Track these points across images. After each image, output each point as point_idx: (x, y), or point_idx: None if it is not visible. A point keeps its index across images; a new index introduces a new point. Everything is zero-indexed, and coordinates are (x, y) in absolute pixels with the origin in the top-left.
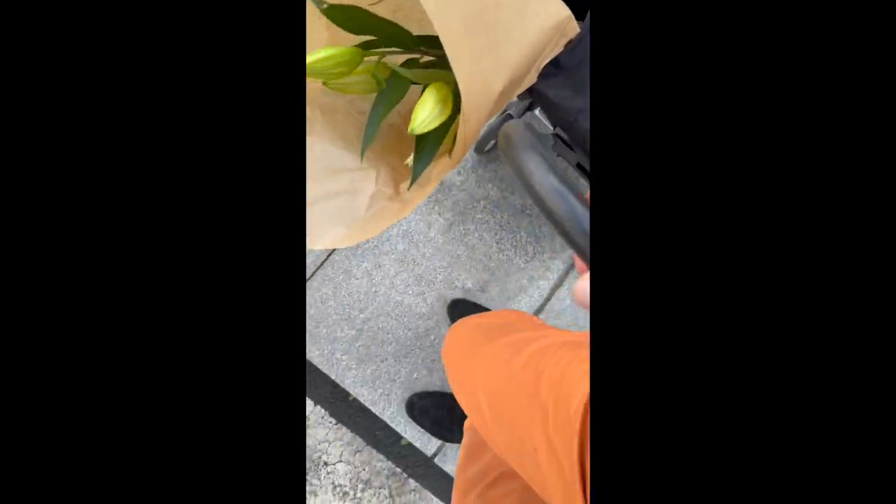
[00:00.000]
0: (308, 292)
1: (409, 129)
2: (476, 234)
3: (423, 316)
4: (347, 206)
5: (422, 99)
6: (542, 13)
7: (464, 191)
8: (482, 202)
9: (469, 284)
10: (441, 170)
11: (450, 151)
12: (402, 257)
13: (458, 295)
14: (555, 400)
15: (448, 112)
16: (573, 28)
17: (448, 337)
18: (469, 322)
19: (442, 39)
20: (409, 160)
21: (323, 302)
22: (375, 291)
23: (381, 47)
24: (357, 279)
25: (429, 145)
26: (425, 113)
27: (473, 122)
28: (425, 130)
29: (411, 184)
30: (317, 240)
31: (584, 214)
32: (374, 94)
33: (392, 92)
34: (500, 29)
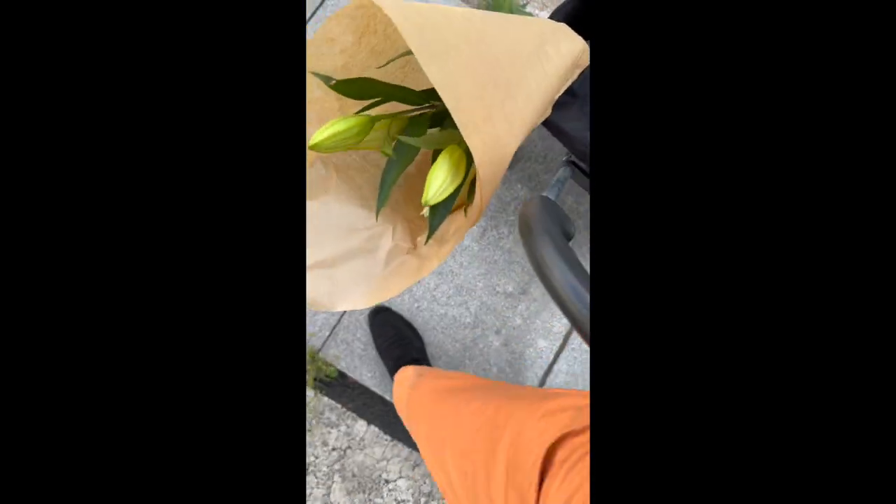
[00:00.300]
0: (352, 315)
1: (423, 201)
2: (510, 237)
3: (469, 326)
4: (366, 265)
5: (434, 167)
6: (555, 55)
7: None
8: (513, 204)
9: (510, 288)
10: (459, 226)
11: (465, 206)
12: (439, 269)
13: (493, 297)
14: (514, 455)
15: (462, 174)
16: (587, 59)
17: (411, 393)
18: (432, 384)
19: (452, 112)
20: (425, 211)
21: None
22: (418, 307)
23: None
24: (398, 297)
25: (443, 201)
26: (438, 182)
27: (489, 188)
28: (441, 199)
29: (428, 237)
30: (338, 302)
31: None
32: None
33: (402, 157)
34: (514, 85)
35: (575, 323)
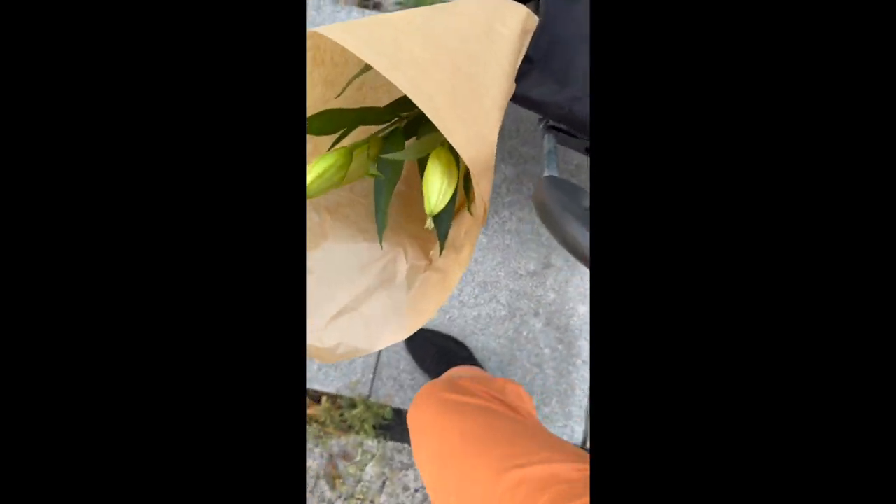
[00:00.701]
0: (389, 349)
1: (428, 211)
2: (514, 218)
3: (506, 318)
4: (390, 295)
5: (427, 175)
6: (506, 30)
7: None
8: (503, 185)
9: (532, 267)
10: (469, 228)
11: (468, 205)
12: None
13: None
14: None
15: (455, 174)
16: (533, 21)
17: (414, 409)
18: (440, 396)
19: (431, 116)
20: (430, 223)
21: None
22: (450, 317)
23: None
24: None
25: (444, 207)
26: (436, 188)
27: (485, 181)
28: (444, 205)
29: (441, 248)
30: (376, 341)
31: None
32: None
33: (389, 175)
34: (479, 75)
35: None
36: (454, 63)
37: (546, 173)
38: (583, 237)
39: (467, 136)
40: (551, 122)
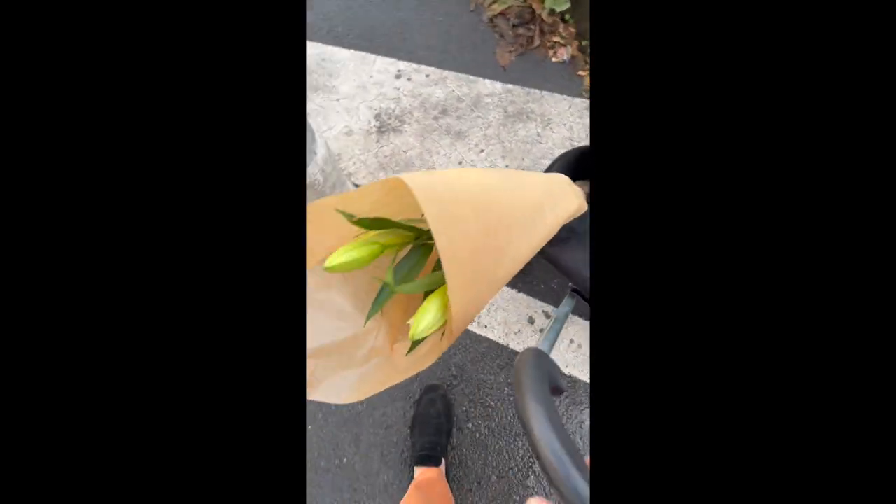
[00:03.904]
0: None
1: (410, 336)
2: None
3: None
4: (342, 363)
5: (426, 304)
6: (552, 217)
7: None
8: None
9: None
10: (432, 348)
11: (441, 330)
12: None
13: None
14: None
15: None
16: (583, 210)
17: None
18: None
19: (445, 273)
20: (411, 320)
21: None
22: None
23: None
24: None
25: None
26: (427, 321)
27: (459, 331)
28: (426, 335)
29: (408, 352)
30: (310, 391)
31: (578, 482)
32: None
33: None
34: (507, 252)
35: (552, 484)
36: (490, 236)
37: (538, 346)
38: (540, 428)
39: (466, 298)
40: (572, 286)
